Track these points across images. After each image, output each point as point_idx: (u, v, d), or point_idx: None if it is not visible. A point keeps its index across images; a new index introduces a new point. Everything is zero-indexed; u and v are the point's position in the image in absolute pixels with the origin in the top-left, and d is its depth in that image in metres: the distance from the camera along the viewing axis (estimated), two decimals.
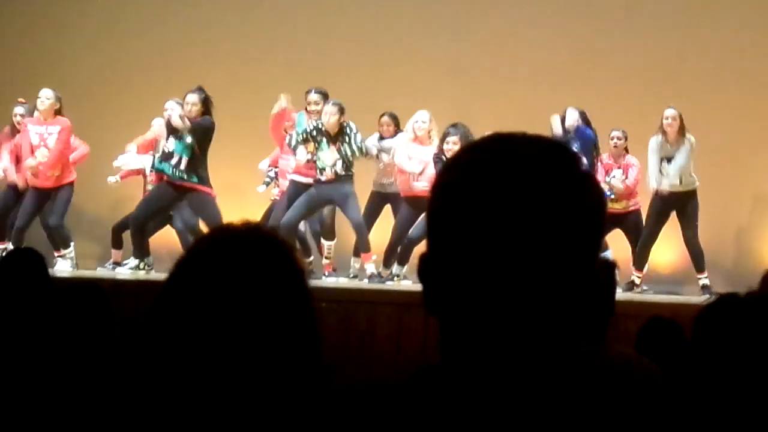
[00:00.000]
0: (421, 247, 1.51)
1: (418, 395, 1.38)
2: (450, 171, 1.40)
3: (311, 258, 11.06)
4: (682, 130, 10.52)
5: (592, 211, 1.38)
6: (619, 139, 10.87)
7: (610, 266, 3.92)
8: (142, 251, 10.91)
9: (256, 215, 10.98)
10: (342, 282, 10.73)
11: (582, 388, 1.36)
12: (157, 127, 11.28)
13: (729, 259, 11.49)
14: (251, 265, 1.75)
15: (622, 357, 3.59)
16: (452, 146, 10.03)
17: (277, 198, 11.29)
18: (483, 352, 1.35)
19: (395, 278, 10.75)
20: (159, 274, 9.74)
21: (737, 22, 11.96)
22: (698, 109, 11.15)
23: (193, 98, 10.44)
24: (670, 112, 10.53)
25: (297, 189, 10.67)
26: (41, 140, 10.92)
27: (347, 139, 10.39)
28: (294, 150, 10.70)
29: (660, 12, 12.21)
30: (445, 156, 10.13)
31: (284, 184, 11.10)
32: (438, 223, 1.39)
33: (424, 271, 1.40)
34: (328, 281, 10.75)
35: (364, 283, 10.59)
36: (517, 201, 1.33)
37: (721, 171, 11.18)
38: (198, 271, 1.75)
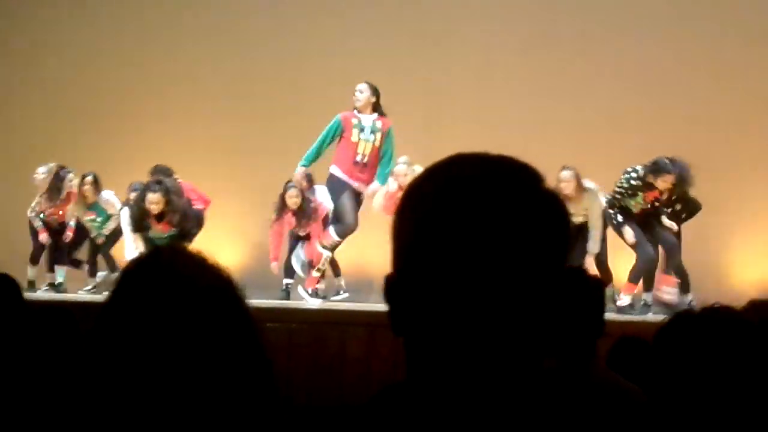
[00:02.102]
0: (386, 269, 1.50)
1: (383, 414, 1.37)
2: (414, 192, 1.40)
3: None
4: (580, 187, 10.40)
5: (557, 229, 1.38)
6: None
7: (599, 285, 3.86)
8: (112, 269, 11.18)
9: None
10: (312, 303, 10.59)
11: (548, 409, 1.35)
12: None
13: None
14: (178, 287, 1.76)
15: (601, 378, 3.58)
16: None
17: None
18: (450, 371, 1.34)
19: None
20: None
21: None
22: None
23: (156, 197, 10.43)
24: (564, 175, 10.29)
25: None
26: None
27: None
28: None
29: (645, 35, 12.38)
30: None
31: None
32: (403, 243, 1.39)
33: (390, 292, 1.39)
34: (299, 303, 10.55)
35: (335, 304, 10.57)
36: (483, 220, 1.32)
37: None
38: (127, 295, 1.77)
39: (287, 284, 11.01)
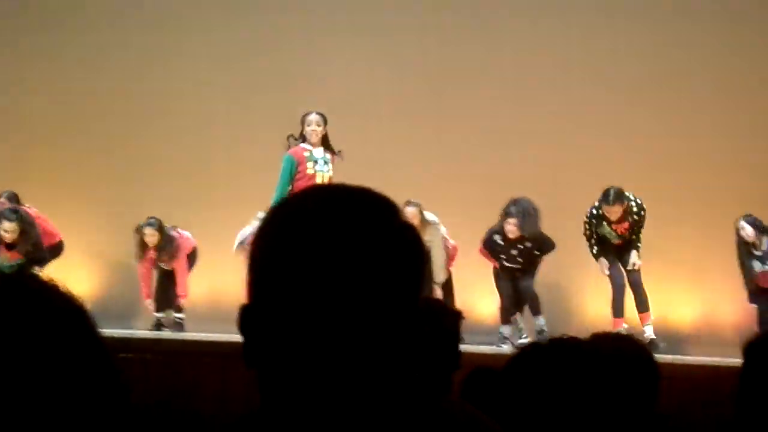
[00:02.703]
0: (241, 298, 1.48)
1: None
2: (271, 222, 1.39)
3: None
4: (423, 221, 10.60)
5: (412, 261, 1.38)
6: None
7: (456, 316, 3.79)
8: None
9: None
10: (166, 333, 10.74)
11: None
12: None
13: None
14: (27, 313, 1.73)
15: (455, 410, 3.55)
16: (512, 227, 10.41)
17: None
18: (301, 404, 1.33)
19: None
20: None
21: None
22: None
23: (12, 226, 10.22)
24: (409, 210, 10.27)
25: None
26: None
27: None
28: None
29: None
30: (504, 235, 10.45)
31: None
32: (259, 274, 1.38)
33: (244, 323, 1.38)
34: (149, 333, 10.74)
35: (190, 335, 10.49)
36: (337, 251, 1.32)
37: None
38: None
39: (159, 318, 11.31)
